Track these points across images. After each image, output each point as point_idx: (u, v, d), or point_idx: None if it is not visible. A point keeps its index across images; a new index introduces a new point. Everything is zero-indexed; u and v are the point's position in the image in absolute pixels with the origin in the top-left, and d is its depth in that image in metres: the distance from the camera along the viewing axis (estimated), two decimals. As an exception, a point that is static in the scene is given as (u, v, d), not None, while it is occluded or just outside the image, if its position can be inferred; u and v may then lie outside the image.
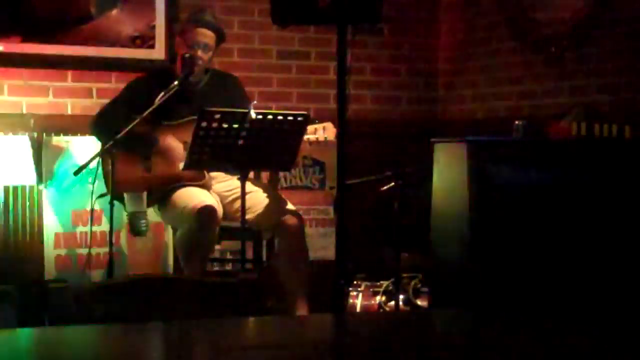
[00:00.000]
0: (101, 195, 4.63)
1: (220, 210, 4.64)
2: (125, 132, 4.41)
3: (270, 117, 4.26)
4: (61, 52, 5.40)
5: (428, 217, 4.30)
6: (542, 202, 4.13)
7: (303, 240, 4.75)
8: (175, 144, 4.67)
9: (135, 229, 4.51)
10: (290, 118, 4.28)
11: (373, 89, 6.15)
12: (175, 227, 4.88)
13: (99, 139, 4.76)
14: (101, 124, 4.74)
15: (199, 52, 4.74)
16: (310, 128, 4.50)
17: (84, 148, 5.24)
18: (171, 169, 4.69)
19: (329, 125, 4.62)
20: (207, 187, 4.76)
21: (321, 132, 4.61)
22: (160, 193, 4.71)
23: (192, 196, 4.61)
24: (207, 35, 4.77)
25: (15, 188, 5.27)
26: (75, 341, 2.09)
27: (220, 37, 4.83)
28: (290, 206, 4.77)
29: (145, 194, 4.52)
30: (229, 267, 5.63)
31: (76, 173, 4.55)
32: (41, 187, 5.28)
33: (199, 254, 4.58)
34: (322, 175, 5.97)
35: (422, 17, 6.26)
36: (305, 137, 4.46)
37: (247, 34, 5.83)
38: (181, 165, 4.55)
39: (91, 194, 4.59)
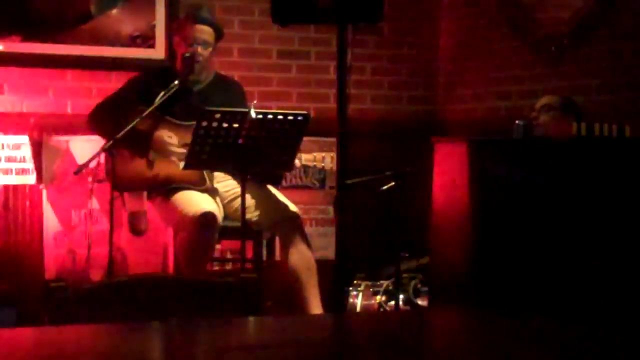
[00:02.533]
0: (78, 171, 4.51)
1: (220, 216, 4.63)
2: (125, 131, 4.41)
3: (270, 117, 4.26)
4: (61, 52, 5.40)
5: (428, 217, 4.30)
6: (542, 201, 4.13)
7: (305, 236, 4.76)
8: (167, 136, 4.65)
9: (135, 229, 4.51)
10: (290, 118, 4.29)
11: (373, 88, 6.15)
12: (174, 228, 4.88)
13: (97, 132, 4.75)
14: (99, 118, 4.73)
15: (199, 49, 4.75)
16: (309, 155, 4.52)
17: (84, 148, 5.24)
18: (170, 166, 4.68)
19: (329, 156, 4.61)
20: (209, 192, 4.73)
21: (320, 160, 4.60)
22: (162, 190, 4.69)
23: (192, 202, 4.59)
24: (205, 32, 4.77)
25: (15, 188, 5.27)
26: (75, 341, 2.09)
27: (219, 33, 4.84)
28: (289, 204, 4.77)
29: (145, 194, 4.52)
30: (229, 267, 5.63)
31: (76, 173, 4.55)
32: (41, 187, 5.27)
33: (198, 259, 4.59)
34: (322, 175, 5.97)
35: (422, 17, 6.26)
36: (305, 160, 4.48)
37: (247, 34, 5.83)
38: (181, 164, 4.55)
39: (91, 193, 4.59)
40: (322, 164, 4.61)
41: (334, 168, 4.55)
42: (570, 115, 4.62)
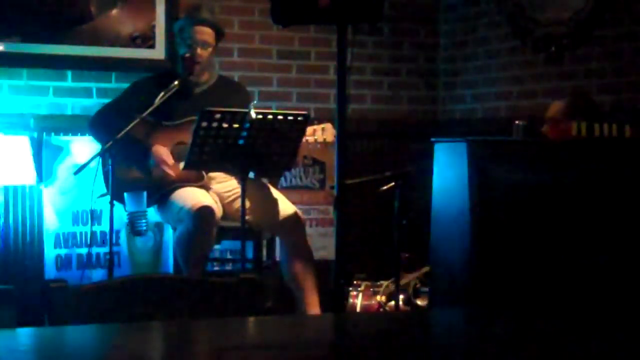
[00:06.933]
0: (101, 195, 4.63)
1: (218, 211, 4.64)
2: (125, 132, 4.41)
3: (270, 117, 4.26)
4: (61, 52, 5.39)
5: (428, 217, 4.30)
6: (542, 202, 4.13)
7: (305, 238, 4.77)
8: (165, 153, 4.66)
9: (135, 229, 4.51)
10: (290, 118, 4.29)
11: (373, 89, 6.15)
12: (174, 227, 4.89)
13: (97, 138, 4.78)
14: (99, 124, 4.75)
15: (199, 50, 4.75)
16: (309, 129, 4.50)
17: (84, 148, 5.24)
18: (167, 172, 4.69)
19: (328, 126, 4.61)
20: (205, 187, 4.76)
21: (320, 133, 4.61)
22: (160, 193, 4.71)
23: (190, 196, 4.62)
24: (205, 33, 4.77)
25: (15, 188, 5.27)
26: (75, 341, 2.09)
27: (220, 34, 4.83)
28: (290, 206, 4.77)
29: (145, 194, 4.52)
30: (229, 267, 5.63)
31: (76, 173, 4.56)
32: (41, 187, 5.28)
33: (197, 254, 4.59)
34: (322, 175, 5.97)
35: (422, 17, 6.26)
36: (304, 138, 4.46)
37: (247, 34, 5.83)
38: (181, 165, 4.56)
39: (91, 194, 4.59)
40: (323, 137, 4.60)
41: (329, 139, 4.56)
42: (578, 118, 4.56)
